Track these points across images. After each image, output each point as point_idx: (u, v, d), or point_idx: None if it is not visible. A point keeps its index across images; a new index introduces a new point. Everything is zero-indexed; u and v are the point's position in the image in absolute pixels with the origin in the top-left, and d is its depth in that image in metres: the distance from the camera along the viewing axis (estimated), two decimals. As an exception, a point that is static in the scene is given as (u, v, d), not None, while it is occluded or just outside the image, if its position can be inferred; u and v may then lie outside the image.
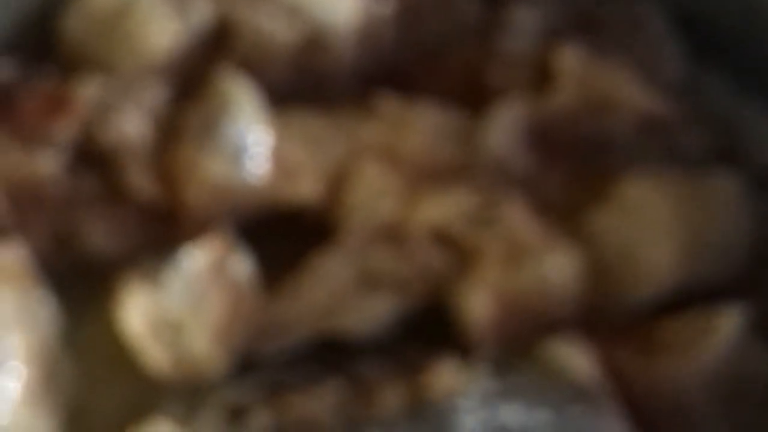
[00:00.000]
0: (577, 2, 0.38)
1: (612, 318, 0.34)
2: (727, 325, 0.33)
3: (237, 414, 0.32)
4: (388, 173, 0.35)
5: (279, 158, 0.35)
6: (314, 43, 0.37)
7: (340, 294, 0.34)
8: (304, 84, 0.37)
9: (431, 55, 0.38)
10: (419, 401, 0.31)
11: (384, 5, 0.38)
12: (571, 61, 0.37)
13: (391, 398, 0.31)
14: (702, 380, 0.32)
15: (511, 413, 0.30)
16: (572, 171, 0.36)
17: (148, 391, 0.34)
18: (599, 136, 0.36)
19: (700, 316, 0.33)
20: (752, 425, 0.32)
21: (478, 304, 0.33)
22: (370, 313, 0.34)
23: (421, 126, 0.36)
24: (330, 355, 0.34)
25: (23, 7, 0.38)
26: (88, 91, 0.36)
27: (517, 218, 0.34)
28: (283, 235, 0.35)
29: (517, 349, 0.33)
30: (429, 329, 0.34)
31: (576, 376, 0.32)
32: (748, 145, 0.37)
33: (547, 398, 0.31)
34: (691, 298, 0.34)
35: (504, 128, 0.36)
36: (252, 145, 0.35)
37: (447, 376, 0.32)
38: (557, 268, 0.34)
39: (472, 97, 0.37)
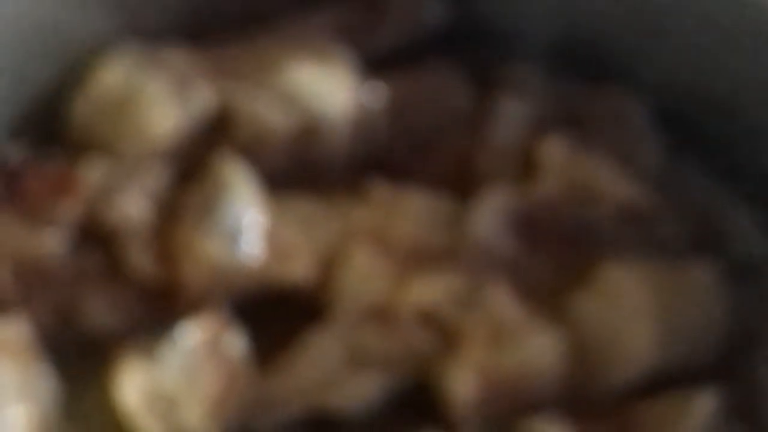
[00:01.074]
0: (563, 97, 0.40)
1: (592, 399, 0.35)
2: (702, 408, 0.34)
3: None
4: (378, 256, 0.37)
5: (273, 240, 0.37)
6: (309, 132, 0.38)
7: (330, 371, 0.35)
8: (299, 170, 0.39)
9: (422, 145, 0.39)
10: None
11: (377, 98, 0.39)
12: (554, 152, 0.38)
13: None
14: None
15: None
16: (555, 257, 0.37)
17: (142, 463, 0.35)
18: (581, 224, 0.38)
19: (676, 400, 0.35)
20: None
21: (462, 383, 0.35)
22: (359, 390, 0.35)
23: (411, 212, 0.37)
24: (319, 430, 0.35)
25: (31, 94, 0.40)
26: (92, 173, 0.38)
27: (501, 301, 0.36)
28: (276, 313, 0.37)
29: (499, 427, 0.34)
30: (415, 406, 0.35)
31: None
32: (724, 235, 0.39)
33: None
34: (668, 381, 0.35)
35: (490, 215, 0.37)
36: (248, 227, 0.37)
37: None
38: (539, 350, 0.35)
39: (461, 184, 0.38)
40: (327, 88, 0.39)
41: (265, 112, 0.38)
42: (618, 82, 0.41)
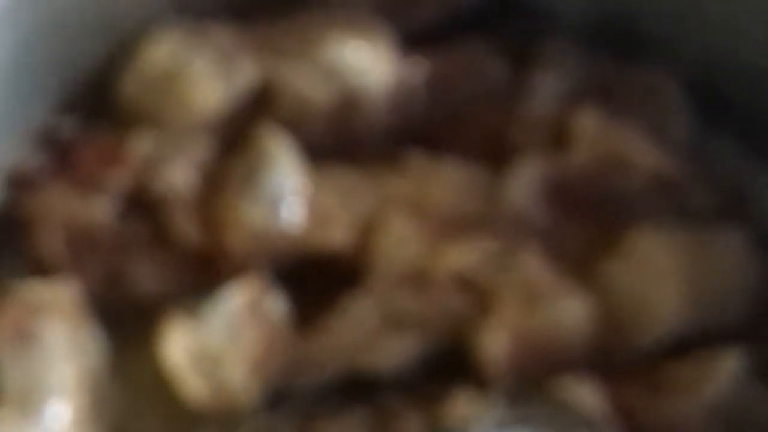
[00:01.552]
0: (596, 71, 0.41)
1: (621, 359, 0.36)
2: (727, 367, 0.35)
3: (268, 437, 0.35)
4: (414, 223, 0.38)
5: (313, 208, 0.38)
6: (349, 105, 0.40)
7: (367, 333, 0.37)
8: (339, 141, 0.40)
9: (458, 117, 0.41)
10: (436, 429, 0.33)
11: (415, 72, 0.41)
12: (587, 123, 0.39)
13: (410, 426, 0.34)
14: (703, 418, 0.35)
15: (519, 438, 0.33)
16: (587, 224, 0.38)
17: (186, 419, 0.36)
18: (612, 193, 0.39)
19: (702, 359, 0.36)
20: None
21: (495, 343, 0.36)
22: (395, 352, 0.37)
23: (446, 181, 0.39)
24: (357, 389, 0.36)
25: (82, 70, 0.41)
26: (140, 144, 0.39)
27: (534, 265, 0.37)
28: (316, 278, 0.38)
29: (529, 385, 0.35)
30: (450, 367, 0.37)
31: (583, 411, 0.34)
32: (753, 204, 0.40)
33: (554, 425, 0.33)
34: (694, 342, 0.36)
35: (524, 184, 0.38)
36: (288, 195, 0.38)
37: (462, 406, 0.34)
38: (570, 312, 0.36)
39: (496, 155, 0.40)
40: (366, 62, 0.40)
41: (306, 86, 0.40)
42: (651, 57, 0.42)
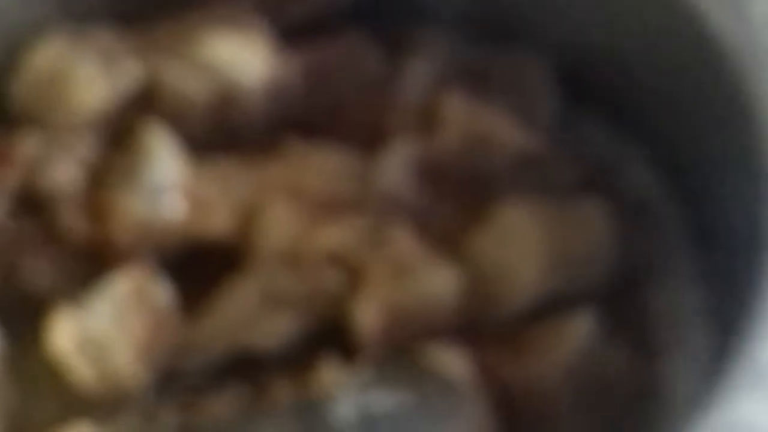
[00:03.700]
0: (467, 57, 0.43)
1: (487, 325, 0.38)
2: (581, 329, 0.37)
3: (151, 416, 0.36)
4: (291, 207, 0.40)
5: (194, 198, 0.40)
6: (227, 99, 0.41)
7: (248, 314, 0.38)
8: (219, 134, 0.42)
9: (335, 106, 0.42)
10: (304, 395, 0.35)
11: (293, 64, 0.42)
12: (454, 106, 0.41)
13: (281, 395, 0.36)
14: (561, 377, 0.37)
15: (381, 401, 0.35)
16: (456, 201, 0.40)
17: (76, 404, 0.38)
18: (480, 171, 0.41)
19: (560, 322, 0.38)
20: (607, 415, 0.37)
21: (366, 315, 0.38)
22: (275, 330, 0.38)
23: (322, 166, 0.40)
24: (242, 368, 0.38)
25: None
26: (27, 144, 0.41)
27: (403, 241, 0.39)
28: (201, 265, 0.40)
29: (399, 352, 0.37)
30: (330, 340, 0.38)
31: (445, 374, 0.36)
32: (616, 177, 0.42)
33: (415, 389, 0.35)
34: (556, 307, 0.38)
35: (395, 165, 0.40)
36: (169, 187, 0.40)
37: (329, 375, 0.36)
38: (437, 283, 0.38)
39: (371, 140, 0.41)
40: (243, 58, 0.42)
41: (185, 83, 0.41)
42: (520, 42, 0.44)
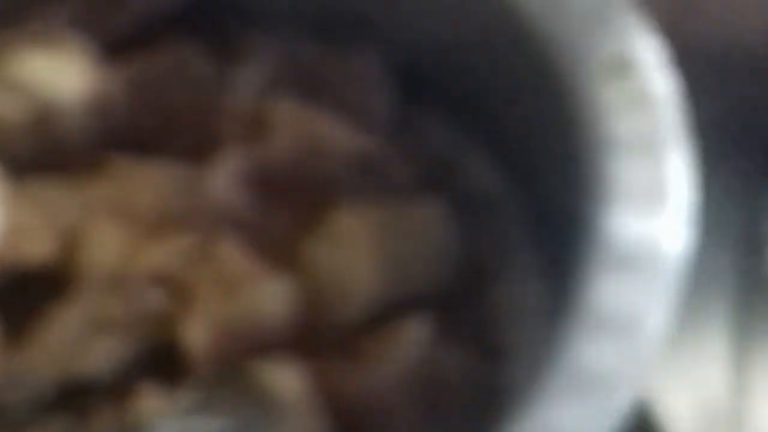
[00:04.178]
0: (300, 61, 0.42)
1: (325, 337, 0.37)
2: (415, 335, 0.36)
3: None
4: (117, 228, 0.38)
5: (14, 224, 0.38)
6: (45, 119, 0.40)
7: (74, 340, 0.37)
8: (40, 155, 0.40)
9: (164, 117, 0.41)
10: (126, 422, 0.34)
11: (116, 77, 0.41)
12: (284, 112, 0.40)
13: (104, 423, 0.34)
14: (397, 386, 0.35)
15: (202, 427, 0.33)
16: (290, 209, 0.39)
17: None
18: (314, 177, 0.39)
19: (393, 329, 0.36)
20: (449, 419, 0.35)
21: (195, 334, 0.36)
22: (101, 356, 0.37)
23: (149, 182, 0.39)
24: (69, 398, 0.37)
25: None
26: None
27: (232, 254, 0.37)
28: (27, 292, 0.38)
29: (230, 371, 0.36)
30: (163, 363, 0.37)
31: (276, 391, 0.35)
32: (456, 175, 0.41)
33: (241, 411, 0.34)
34: (395, 313, 0.37)
35: (224, 176, 0.39)
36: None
37: (149, 399, 0.35)
38: (270, 298, 0.37)
39: (202, 152, 0.40)
40: (59, 75, 0.40)
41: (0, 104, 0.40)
42: (356, 41, 0.42)
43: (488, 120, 0.40)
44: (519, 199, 0.39)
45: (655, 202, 0.32)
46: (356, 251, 0.38)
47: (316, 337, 0.37)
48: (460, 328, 0.37)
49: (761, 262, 0.42)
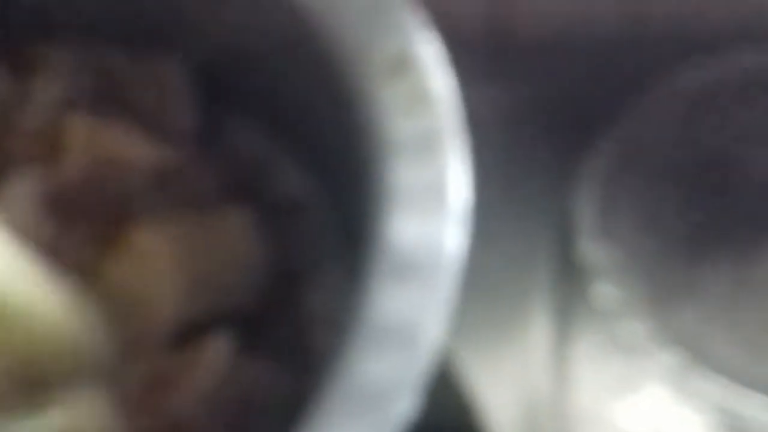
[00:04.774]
0: (100, 71, 0.41)
1: (131, 360, 0.36)
2: (214, 354, 0.35)
3: None
4: None
5: None
6: None
7: None
8: None
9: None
10: None
11: None
12: (77, 129, 0.39)
13: None
14: (199, 407, 0.35)
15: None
16: (91, 230, 0.38)
17: None
18: (112, 195, 0.38)
19: (193, 349, 0.36)
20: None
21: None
22: None
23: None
24: None
25: None
26: None
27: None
28: None
29: (29, 408, 0.35)
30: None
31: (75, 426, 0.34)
32: (265, 181, 0.40)
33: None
34: (199, 331, 0.36)
35: (19, 199, 0.38)
36: None
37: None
38: (67, 327, 0.36)
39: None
40: None
41: None
42: (159, 48, 0.41)
43: (289, 125, 0.40)
44: (325, 206, 0.39)
45: (432, 205, 0.32)
46: (156, 269, 0.37)
47: (120, 362, 0.36)
48: (268, 342, 0.36)
49: (575, 250, 0.42)
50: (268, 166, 0.40)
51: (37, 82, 0.40)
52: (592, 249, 0.42)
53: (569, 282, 0.43)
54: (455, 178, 0.32)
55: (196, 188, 0.39)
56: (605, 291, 0.42)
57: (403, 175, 0.32)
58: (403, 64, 0.33)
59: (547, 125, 0.45)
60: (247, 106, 0.41)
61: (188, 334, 0.36)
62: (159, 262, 0.37)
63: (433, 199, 0.32)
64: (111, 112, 0.40)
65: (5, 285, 0.34)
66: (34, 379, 0.35)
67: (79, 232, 0.38)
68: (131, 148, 0.39)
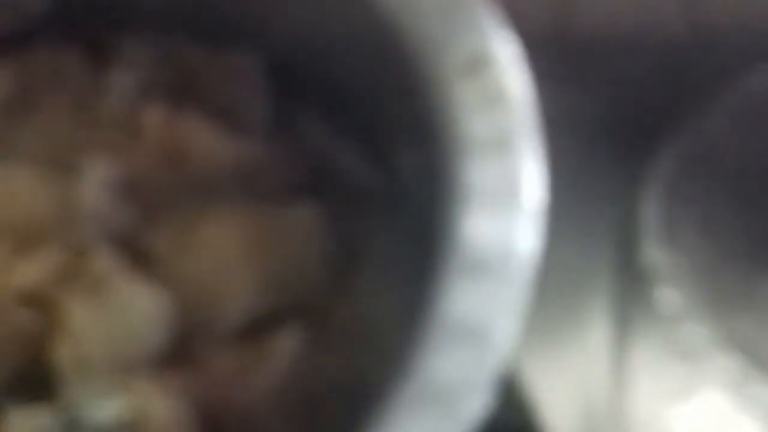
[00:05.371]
0: (175, 63, 0.41)
1: (200, 349, 0.37)
2: (283, 346, 0.36)
3: None
4: (-11, 244, 0.38)
5: None
6: None
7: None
8: None
9: (36, 122, 0.40)
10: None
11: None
12: (153, 119, 0.39)
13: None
14: (267, 399, 0.35)
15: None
16: (163, 220, 0.38)
17: None
18: (186, 185, 0.39)
19: (262, 341, 0.36)
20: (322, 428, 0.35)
21: (66, 353, 0.36)
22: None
23: (18, 192, 0.38)
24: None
25: None
26: None
27: (102, 269, 0.37)
28: None
29: (100, 389, 0.35)
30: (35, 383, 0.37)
31: (146, 408, 0.34)
32: (336, 178, 0.40)
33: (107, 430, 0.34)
34: (268, 323, 0.37)
35: (95, 185, 0.38)
36: None
37: (23, 422, 0.34)
38: (143, 311, 0.36)
39: (71, 158, 0.39)
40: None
41: None
42: (233, 42, 0.42)
43: (360, 119, 0.40)
44: (389, 199, 0.39)
45: (507, 203, 0.32)
46: (228, 260, 0.37)
47: (190, 350, 0.36)
48: (332, 334, 0.37)
49: (638, 254, 0.42)
50: (338, 159, 0.41)
51: (114, 71, 0.41)
52: (656, 253, 0.42)
53: (631, 286, 0.43)
54: (530, 177, 0.32)
55: (267, 181, 0.39)
56: (667, 295, 0.42)
57: (477, 173, 0.32)
58: (480, 63, 0.34)
59: (613, 128, 0.45)
60: (318, 99, 0.41)
61: (256, 326, 0.37)
62: (230, 253, 0.37)
63: (508, 197, 0.32)
64: (185, 103, 0.40)
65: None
66: (119, 362, 0.35)
67: (153, 220, 0.38)
68: (206, 140, 0.39)
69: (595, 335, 0.45)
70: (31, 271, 0.37)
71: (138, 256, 0.38)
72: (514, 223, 0.32)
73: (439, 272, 0.31)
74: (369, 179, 0.40)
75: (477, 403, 0.29)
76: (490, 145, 0.33)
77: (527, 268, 0.31)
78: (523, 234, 0.31)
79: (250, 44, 0.42)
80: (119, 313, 0.36)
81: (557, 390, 0.42)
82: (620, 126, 0.46)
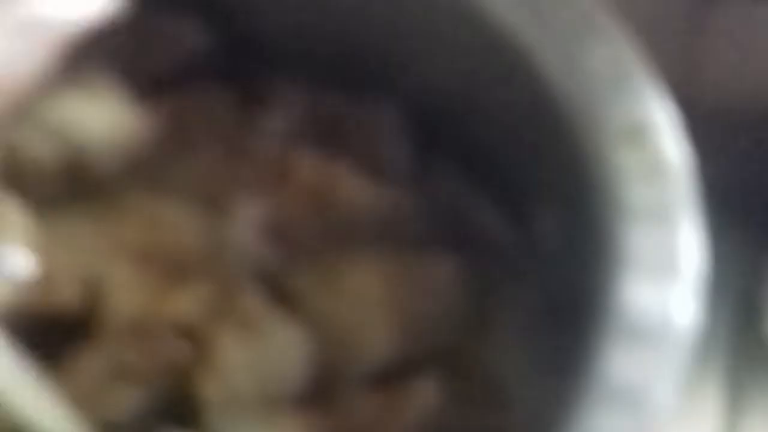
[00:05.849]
0: (321, 109, 0.43)
1: (337, 392, 0.37)
2: (423, 395, 0.36)
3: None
4: (140, 271, 0.39)
5: (42, 265, 0.39)
6: (78, 159, 0.40)
7: (93, 388, 0.37)
8: (72, 195, 0.41)
9: (187, 160, 0.41)
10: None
11: (148, 120, 0.42)
12: (302, 162, 0.41)
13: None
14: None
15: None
16: (307, 261, 0.39)
17: None
18: (331, 230, 0.40)
19: (401, 388, 0.37)
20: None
21: (214, 384, 0.37)
22: (121, 405, 0.37)
23: (170, 224, 0.40)
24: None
25: None
26: None
27: (252, 305, 0.38)
28: (47, 339, 0.39)
29: (245, 422, 0.36)
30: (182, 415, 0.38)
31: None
32: (472, 231, 0.41)
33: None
34: (404, 370, 0.38)
35: (244, 224, 0.40)
36: (11, 254, 0.39)
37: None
38: (287, 350, 0.37)
39: (221, 197, 0.41)
40: (92, 116, 0.41)
41: (33, 146, 0.41)
42: (375, 91, 0.43)
43: (502, 176, 0.41)
44: (528, 257, 0.40)
45: (666, 273, 0.33)
46: (368, 304, 0.38)
47: (327, 392, 0.37)
48: (466, 385, 0.37)
49: (758, 321, 0.42)
50: (475, 214, 0.41)
51: (265, 112, 0.42)
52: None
53: (748, 357, 0.44)
54: (689, 246, 0.33)
55: (407, 229, 0.40)
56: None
57: (636, 241, 0.33)
58: (641, 132, 0.34)
59: (747, 196, 0.46)
60: (457, 151, 0.42)
61: (392, 374, 0.38)
62: (371, 298, 0.38)
63: (667, 267, 0.33)
64: (330, 148, 0.41)
65: None
66: (264, 398, 0.36)
67: (298, 261, 0.39)
68: (353, 186, 0.40)
69: (709, 402, 0.45)
70: (183, 302, 0.38)
71: (282, 296, 0.39)
72: (673, 292, 0.32)
73: (591, 336, 0.32)
74: (506, 236, 0.41)
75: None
76: (650, 213, 0.34)
77: (686, 339, 0.31)
78: (682, 304, 0.32)
79: (391, 91, 0.43)
80: (266, 350, 0.37)
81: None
82: (748, 200, 0.47)
